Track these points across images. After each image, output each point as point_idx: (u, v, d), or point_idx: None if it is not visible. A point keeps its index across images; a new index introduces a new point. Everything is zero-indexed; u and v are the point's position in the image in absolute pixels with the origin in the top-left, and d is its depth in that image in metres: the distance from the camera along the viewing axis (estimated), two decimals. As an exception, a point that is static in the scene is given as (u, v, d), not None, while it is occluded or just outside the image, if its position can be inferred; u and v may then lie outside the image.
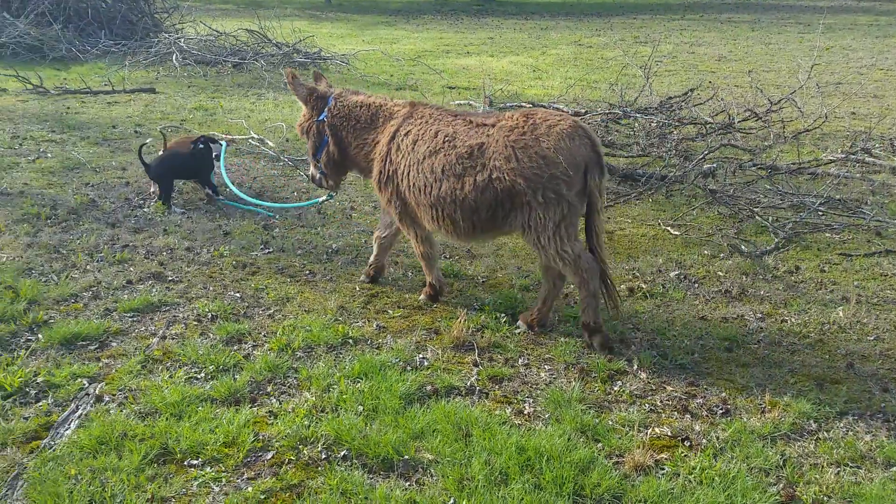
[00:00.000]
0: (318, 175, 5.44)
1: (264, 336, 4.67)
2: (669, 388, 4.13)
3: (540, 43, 19.89)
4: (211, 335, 4.65)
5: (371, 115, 5.00)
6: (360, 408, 3.86)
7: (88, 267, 5.58)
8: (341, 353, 4.47)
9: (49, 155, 8.34)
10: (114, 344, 4.52)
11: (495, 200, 4.38)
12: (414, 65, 15.16)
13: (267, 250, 6.07)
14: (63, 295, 5.09)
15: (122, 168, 8.02)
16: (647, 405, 3.98)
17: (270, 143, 9.06)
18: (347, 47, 17.48)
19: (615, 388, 4.13)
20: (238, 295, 5.23)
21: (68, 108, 10.61)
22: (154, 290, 5.26)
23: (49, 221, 6.41)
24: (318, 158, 5.29)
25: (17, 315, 4.74)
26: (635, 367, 4.32)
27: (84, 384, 4.07)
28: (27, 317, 4.73)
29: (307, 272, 5.66)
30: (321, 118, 5.14)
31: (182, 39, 14.98)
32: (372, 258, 5.49)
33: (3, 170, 7.75)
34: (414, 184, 4.65)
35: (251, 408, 3.88)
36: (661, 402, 4.01)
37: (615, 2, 34.65)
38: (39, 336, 4.55)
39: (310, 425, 3.72)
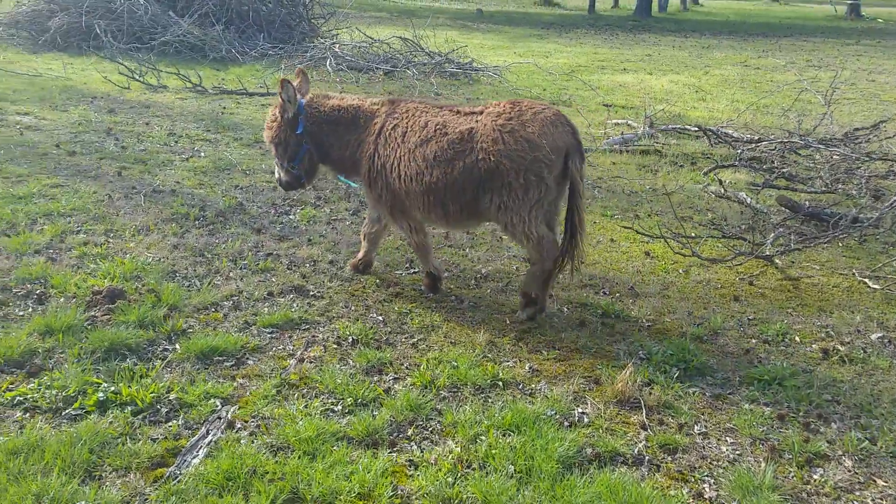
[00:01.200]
0: (287, 179, 5.39)
1: (407, 368, 4.28)
2: (882, 483, 3.44)
3: (702, 62, 18.92)
4: (350, 362, 4.31)
5: (351, 116, 5.11)
6: (512, 468, 3.39)
7: (231, 274, 5.38)
8: (490, 398, 4.02)
9: (202, 154, 8.34)
10: (250, 362, 4.25)
11: (480, 180, 4.61)
12: (568, 79, 14.64)
13: (412, 270, 5.72)
14: (204, 302, 4.89)
15: (272, 172, 7.89)
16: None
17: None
18: (499, 59, 17.14)
19: (815, 477, 3.46)
20: (381, 318, 4.88)
21: (224, 108, 10.70)
22: (295, 304, 4.99)
23: (197, 223, 6.30)
24: (296, 165, 5.29)
25: (157, 321, 4.55)
26: (838, 451, 3.64)
27: (217, 406, 3.79)
28: (167, 324, 4.53)
29: (453, 298, 5.25)
30: (299, 130, 5.15)
31: (337, 45, 15.02)
32: (361, 252, 5.56)
33: (158, 166, 7.78)
34: (405, 173, 4.81)
35: (390, 453, 3.49)
36: (872, 501, 3.33)
37: (782, 22, 32.89)
38: (177, 346, 4.33)
39: (454, 483, 3.29)
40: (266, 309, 4.89)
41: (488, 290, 5.42)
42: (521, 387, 4.14)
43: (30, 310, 4.62)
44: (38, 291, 4.81)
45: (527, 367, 4.35)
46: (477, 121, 4.66)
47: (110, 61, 12.80)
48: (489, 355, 4.47)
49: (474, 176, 4.61)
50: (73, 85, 11.61)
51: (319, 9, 18.13)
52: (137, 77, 11.98)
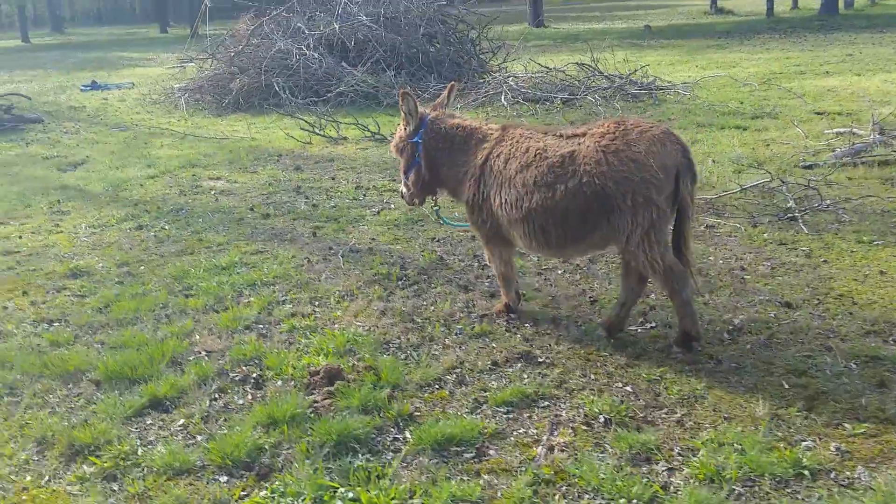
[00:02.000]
0: (406, 192, 5.42)
1: (679, 455, 3.52)
2: None
3: (911, 56, 17.06)
4: (609, 448, 3.60)
5: (465, 137, 5.03)
6: None
7: (448, 341, 4.83)
8: (798, 493, 3.19)
9: (392, 206, 7.97)
10: (492, 452, 3.63)
11: (585, 205, 4.39)
12: (766, 89, 13.43)
13: (648, 325, 4.96)
14: (426, 378, 4.34)
15: (464, 220, 7.39)
16: None
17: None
18: (683, 74, 16.12)
19: None
20: (629, 388, 4.15)
21: (407, 153, 10.37)
22: (525, 375, 4.35)
23: (400, 283, 5.83)
24: (409, 177, 5.31)
25: (382, 404, 4.03)
26: None
27: (467, 515, 3.20)
28: (392, 407, 4.00)
29: (706, 358, 4.45)
30: (416, 139, 5.14)
31: (511, 78, 14.53)
32: (503, 293, 5.26)
33: (351, 223, 7.45)
34: (506, 200, 4.69)
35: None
36: None
37: None
38: (408, 435, 3.78)
39: None
40: (494, 383, 4.28)
41: (748, 346, 4.58)
42: (833, 476, 3.29)
43: (249, 396, 4.23)
44: (254, 375, 4.44)
45: (832, 448, 3.48)
46: (579, 143, 4.46)
47: (291, 117, 12.89)
48: (777, 433, 3.64)
49: (578, 201, 4.40)
50: (258, 144, 11.71)
51: (487, 44, 17.81)
52: (318, 131, 11.96)
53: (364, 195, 8.47)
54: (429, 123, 5.13)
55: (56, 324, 5.36)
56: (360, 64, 15.49)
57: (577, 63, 14.73)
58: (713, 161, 8.84)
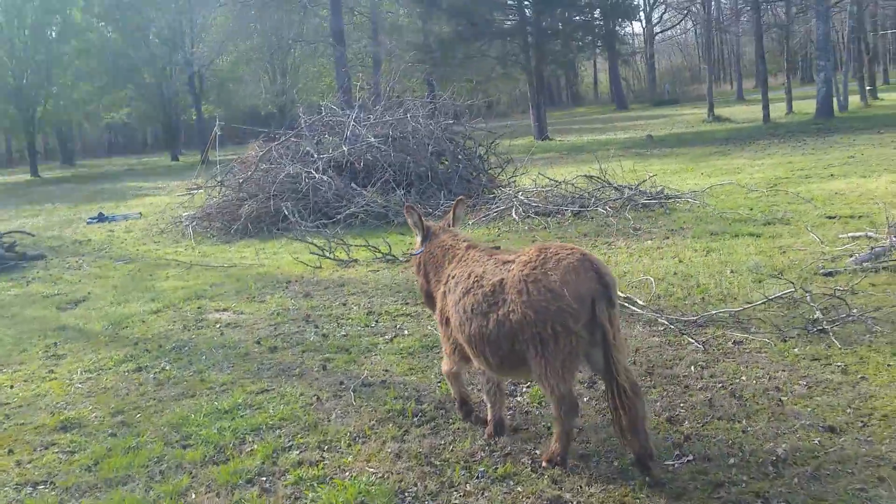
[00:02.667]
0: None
1: None
2: None
3: (916, 155, 17.04)
4: None
5: (442, 254, 5.25)
6: None
7: (469, 486, 4.47)
8: None
9: (406, 332, 7.69)
10: None
11: (512, 333, 4.48)
12: (774, 194, 13.31)
13: (684, 458, 4.59)
14: (446, 535, 3.97)
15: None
16: None
17: (640, 302, 7.72)
18: (690, 182, 16.10)
19: None
20: (672, 538, 3.77)
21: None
22: (556, 525, 3.97)
23: (416, 420, 5.49)
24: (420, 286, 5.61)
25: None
26: None
27: None
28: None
29: (752, 496, 4.06)
30: (419, 251, 5.47)
31: (521, 192, 14.49)
32: (489, 414, 5.18)
33: (363, 353, 7.15)
34: (455, 322, 4.87)
35: None
36: None
37: None
38: None
39: None
40: (522, 536, 3.90)
41: (795, 480, 4.20)
42: None
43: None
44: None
45: None
46: (508, 270, 4.58)
47: (300, 241, 12.78)
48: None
49: (506, 329, 4.50)
50: (267, 271, 11.55)
51: (496, 159, 17.93)
52: (328, 254, 11.81)
53: (376, 321, 8.20)
54: (430, 235, 5.46)
55: (41, 486, 5.00)
56: (369, 184, 15.54)
57: (585, 175, 14.71)
58: (731, 271, 8.59)
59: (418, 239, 5.53)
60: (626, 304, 7.72)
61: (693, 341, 6.47)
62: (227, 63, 52.81)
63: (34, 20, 43.22)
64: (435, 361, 6.73)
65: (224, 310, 9.41)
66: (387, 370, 6.59)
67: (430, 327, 7.66)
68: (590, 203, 13.39)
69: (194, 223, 16.17)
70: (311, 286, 10.21)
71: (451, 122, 17.51)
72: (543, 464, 4.62)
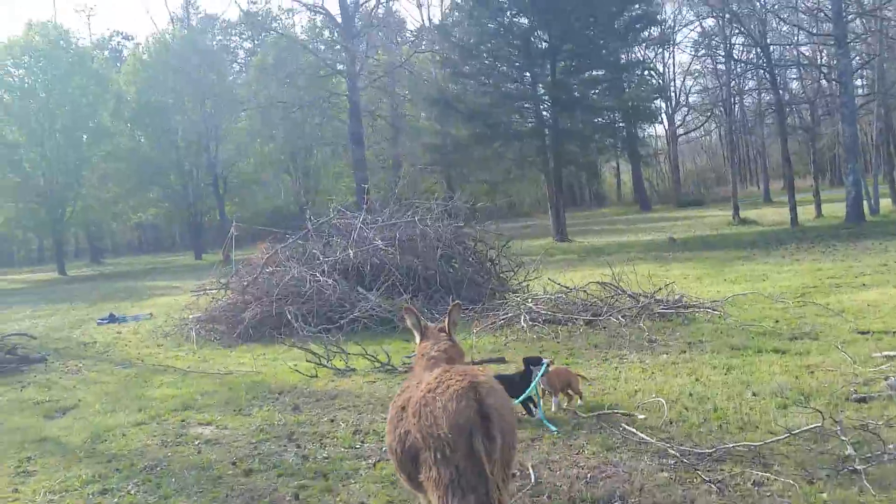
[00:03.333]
0: None
1: None
2: None
3: (953, 265, 16.31)
4: None
5: (420, 359, 5.16)
6: None
7: None
8: None
9: (389, 456, 7.04)
10: None
11: (412, 454, 4.37)
12: (801, 305, 12.62)
13: None
14: None
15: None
16: None
17: (641, 431, 7.07)
18: (711, 289, 15.45)
19: None
20: None
21: (416, 388, 9.56)
22: None
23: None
24: None
25: None
26: None
27: None
28: None
29: None
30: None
31: (530, 300, 13.93)
32: None
33: (341, 480, 6.52)
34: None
35: None
36: None
37: None
38: None
39: None
40: None
41: None
42: None
43: None
44: None
45: None
46: (417, 389, 4.48)
47: (299, 349, 12.24)
48: None
49: (407, 448, 4.39)
50: (262, 380, 10.99)
51: (508, 261, 17.45)
52: (325, 363, 11.26)
53: (362, 441, 7.57)
54: (424, 338, 5.37)
55: None
56: (375, 288, 15.08)
57: (598, 282, 14.13)
58: (753, 394, 7.90)
59: (417, 341, 5.44)
60: (634, 432, 7.07)
61: (707, 480, 5.76)
62: (249, 165, 53.72)
63: (66, 124, 44.36)
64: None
65: (208, 423, 8.83)
66: (363, 502, 5.93)
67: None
68: (603, 311, 12.77)
69: (198, 326, 15.73)
70: (302, 398, 9.63)
71: (461, 224, 17.14)
72: None
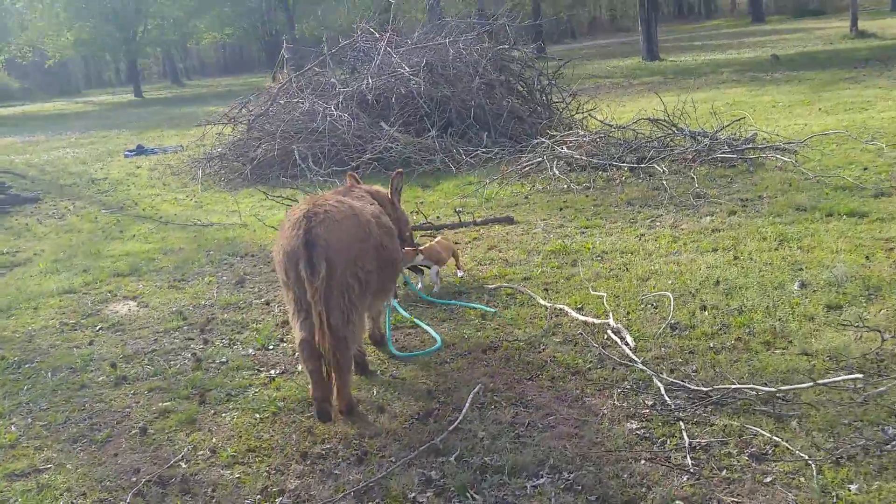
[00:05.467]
0: None
1: None
2: None
3: None
4: None
5: None
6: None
7: None
8: None
9: (296, 371, 5.45)
10: None
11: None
12: (901, 148, 10.05)
13: None
14: None
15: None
16: None
17: (629, 341, 5.20)
18: (795, 124, 12.81)
19: None
20: None
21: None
22: None
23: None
24: None
25: None
26: None
27: None
28: None
29: None
30: None
31: (574, 137, 11.65)
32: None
33: (219, 404, 4.97)
34: None
35: None
36: None
37: None
38: None
39: None
40: None
41: None
42: None
43: None
44: None
45: None
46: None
47: (303, 193, 10.61)
48: None
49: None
50: (237, 236, 9.49)
51: (559, 93, 15.00)
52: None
53: (280, 340, 5.98)
54: None
55: None
56: (398, 124, 13.10)
57: (648, 119, 11.73)
58: (802, 284, 5.82)
59: None
60: (618, 339, 5.22)
61: (684, 446, 3.90)
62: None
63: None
64: (298, 431, 4.47)
65: (133, 297, 7.46)
66: (214, 451, 4.37)
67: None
68: (655, 154, 10.50)
69: (207, 164, 14.28)
70: (261, 264, 8.11)
71: (505, 46, 14.70)
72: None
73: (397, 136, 12.79)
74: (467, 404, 4.52)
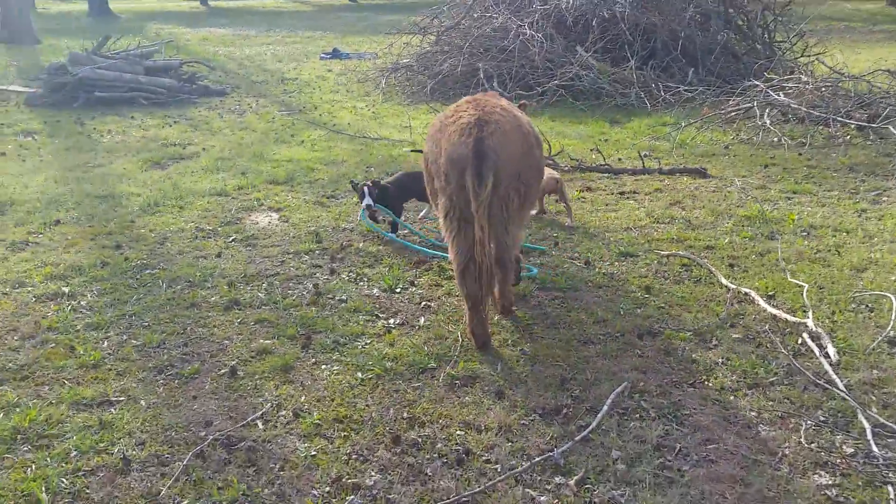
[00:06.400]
0: None
1: None
2: None
3: None
4: None
5: None
6: None
7: None
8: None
9: (422, 319, 4.72)
10: None
11: (429, 173, 4.57)
12: None
13: None
14: None
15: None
16: None
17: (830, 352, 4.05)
18: None
19: None
20: None
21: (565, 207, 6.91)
22: None
23: None
24: None
25: None
26: None
27: None
28: None
29: None
30: None
31: (793, 83, 10.02)
32: None
33: (320, 353, 4.36)
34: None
35: None
36: None
37: None
38: None
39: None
40: None
41: None
42: None
43: None
44: None
45: None
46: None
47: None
48: None
49: (427, 167, 4.59)
50: (400, 156, 8.86)
51: (783, 29, 13.12)
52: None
53: (412, 282, 5.28)
54: None
55: None
56: (595, 50, 11.88)
57: (889, 70, 9.84)
58: None
59: None
60: (816, 347, 4.10)
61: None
62: None
63: None
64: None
65: (277, 209, 7.02)
66: (298, 414, 3.74)
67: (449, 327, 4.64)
68: (891, 113, 8.77)
69: (392, 74, 13.71)
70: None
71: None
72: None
73: (592, 63, 11.65)
74: (605, 407, 3.64)
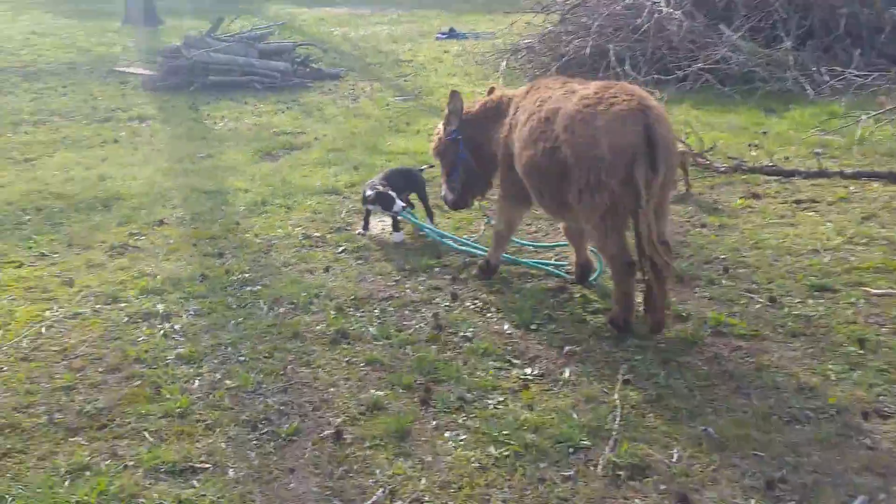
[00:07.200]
0: (451, 196, 5.24)
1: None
2: None
3: None
4: None
5: (496, 107, 4.84)
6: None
7: None
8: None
9: (566, 374, 3.87)
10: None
11: (558, 170, 4.11)
12: None
13: None
14: None
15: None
16: None
17: None
18: None
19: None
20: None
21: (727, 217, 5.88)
22: None
23: None
24: (454, 178, 5.14)
25: None
26: None
27: None
28: None
29: None
30: (451, 137, 5.01)
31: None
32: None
33: (445, 413, 3.58)
34: (515, 151, 4.48)
35: None
36: None
37: None
38: None
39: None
40: None
41: None
42: None
43: None
44: None
45: None
46: (568, 101, 4.09)
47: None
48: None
49: (553, 164, 4.12)
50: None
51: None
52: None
53: (551, 317, 4.44)
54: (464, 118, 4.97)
55: None
56: (744, 29, 10.62)
57: None
58: None
59: (448, 126, 5.14)
60: None
61: None
62: None
63: None
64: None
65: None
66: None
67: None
68: None
69: (513, 56, 12.79)
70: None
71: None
72: (607, 325, 4.18)
73: (741, 43, 10.40)
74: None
